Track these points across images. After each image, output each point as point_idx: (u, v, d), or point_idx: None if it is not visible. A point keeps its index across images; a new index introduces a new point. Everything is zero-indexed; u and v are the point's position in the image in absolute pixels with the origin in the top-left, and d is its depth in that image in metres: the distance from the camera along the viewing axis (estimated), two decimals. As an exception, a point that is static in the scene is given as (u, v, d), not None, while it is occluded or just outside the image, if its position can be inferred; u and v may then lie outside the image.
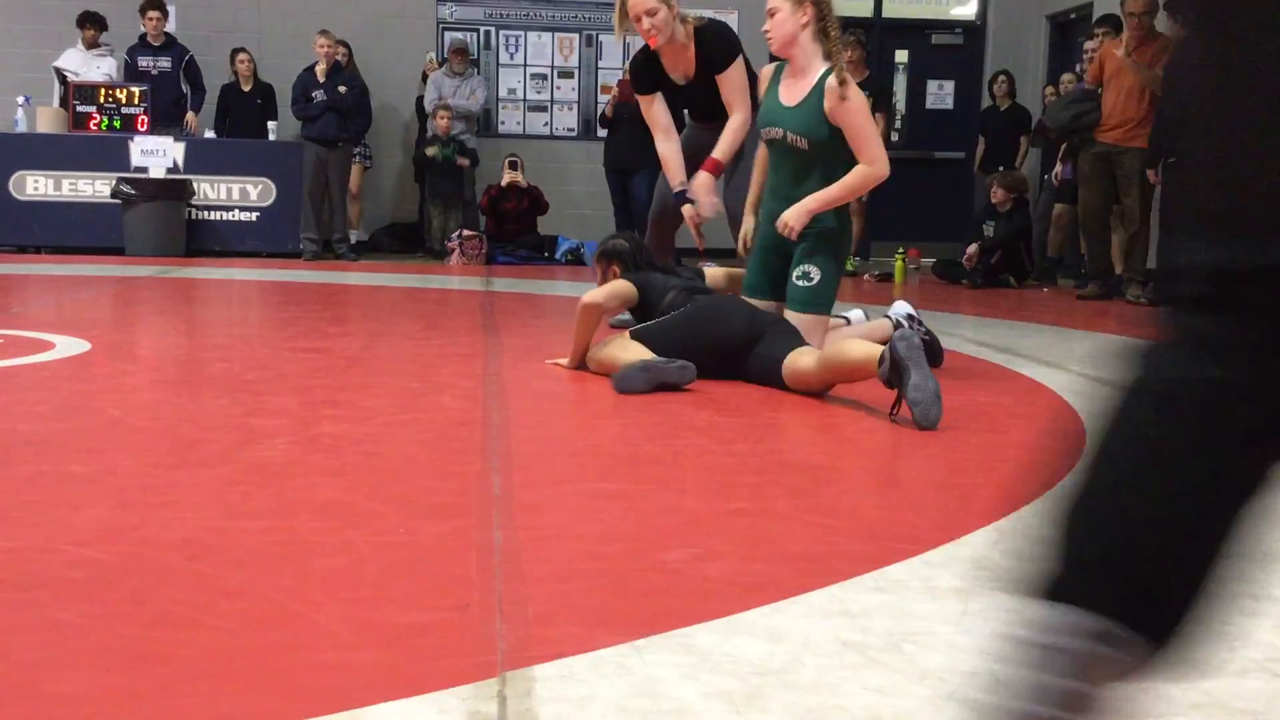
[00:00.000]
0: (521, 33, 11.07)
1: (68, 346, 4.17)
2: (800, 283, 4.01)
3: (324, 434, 2.95)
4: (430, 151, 9.71)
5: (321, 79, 9.31)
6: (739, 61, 4.61)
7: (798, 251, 4.03)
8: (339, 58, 9.56)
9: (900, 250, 8.81)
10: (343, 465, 2.63)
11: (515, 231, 9.90)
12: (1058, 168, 8.61)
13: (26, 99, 9.56)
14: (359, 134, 9.99)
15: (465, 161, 9.88)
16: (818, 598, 1.84)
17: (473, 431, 3.03)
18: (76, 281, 7.04)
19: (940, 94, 11.48)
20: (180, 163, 9.35)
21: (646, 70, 4.77)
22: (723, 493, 2.52)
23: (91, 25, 9.68)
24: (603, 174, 9.86)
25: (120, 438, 2.88)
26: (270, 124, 9.82)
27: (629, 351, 3.70)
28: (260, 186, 9.51)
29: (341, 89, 9.30)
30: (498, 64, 11.10)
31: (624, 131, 9.30)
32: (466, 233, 9.57)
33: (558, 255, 9.91)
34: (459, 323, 5.59)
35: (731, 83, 4.56)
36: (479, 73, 10.63)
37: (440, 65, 10.35)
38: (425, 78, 10.38)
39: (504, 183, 9.87)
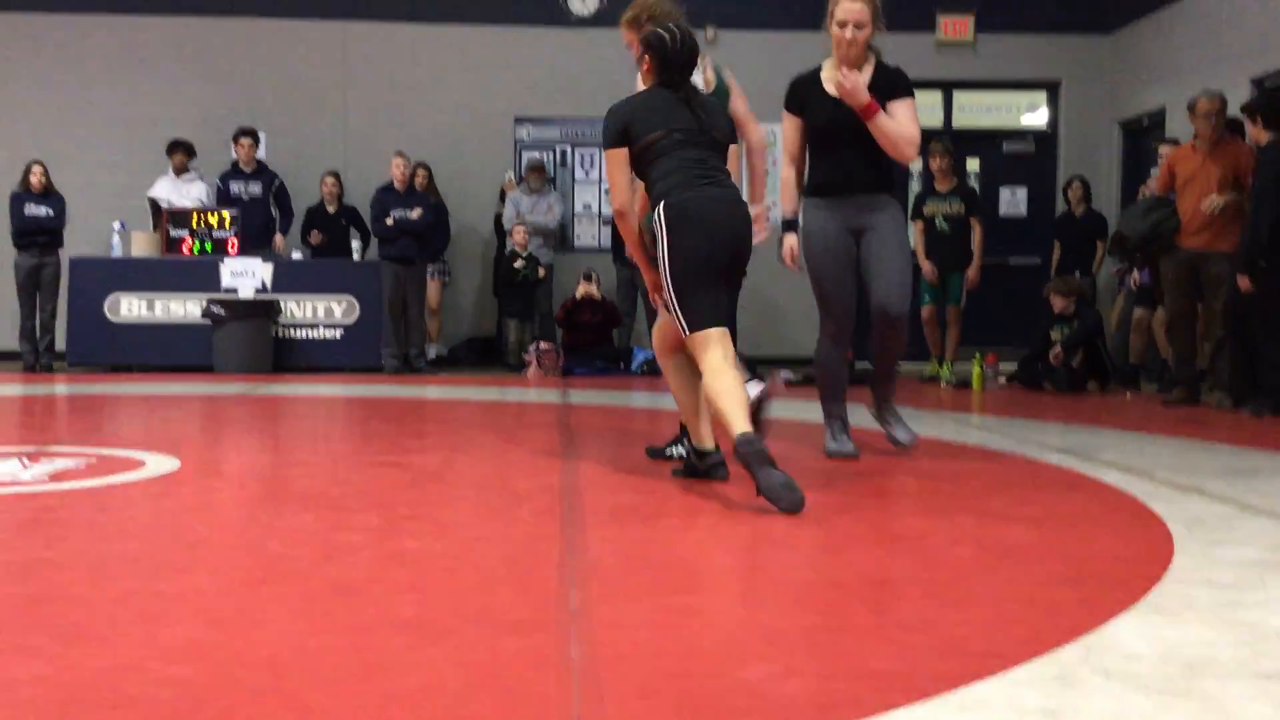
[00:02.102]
0: (595, 150, 11.34)
1: (158, 465, 4.29)
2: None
3: (405, 549, 2.98)
4: (519, 265, 9.93)
5: (399, 199, 9.60)
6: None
7: None
8: (417, 179, 9.86)
9: (977, 356, 8.75)
10: (423, 581, 2.65)
11: (591, 343, 10.02)
12: (1134, 273, 8.53)
13: (122, 224, 9.97)
14: (437, 252, 10.26)
15: (543, 272, 10.10)
16: (900, 718, 1.80)
17: (550, 546, 3.05)
18: (167, 400, 7.24)
19: (1013, 200, 11.49)
20: (268, 283, 9.65)
21: (810, 89, 4.63)
22: (801, 606, 2.49)
23: (180, 152, 10.12)
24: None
25: (207, 555, 2.94)
26: (354, 244, 10.14)
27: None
28: (344, 304, 9.76)
29: (414, 213, 9.56)
30: (573, 180, 11.37)
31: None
32: (543, 345, 9.71)
33: (633, 367, 9.99)
34: (537, 436, 5.64)
35: (910, 111, 4.51)
36: (555, 189, 10.88)
37: (518, 183, 10.63)
38: (503, 196, 10.66)
39: (578, 295, 10.04)
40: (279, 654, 2.08)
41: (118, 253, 9.91)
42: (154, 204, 10.08)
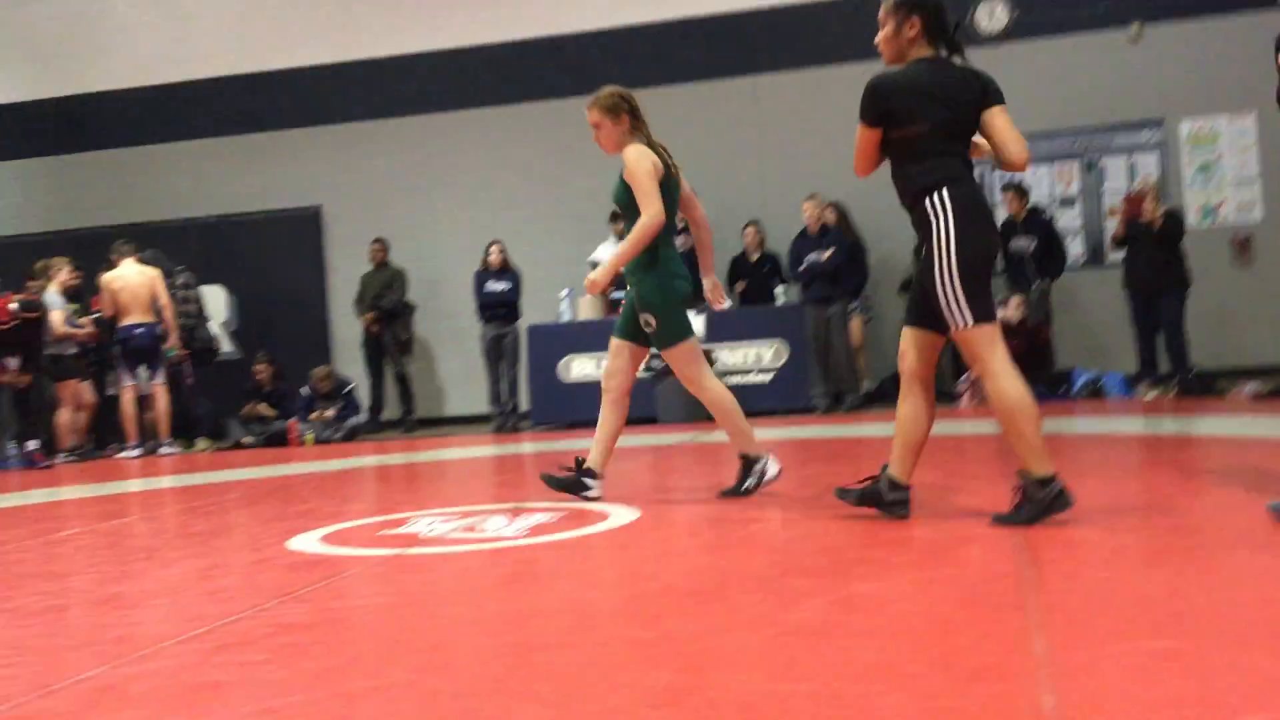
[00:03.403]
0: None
1: (620, 515, 4.60)
2: (646, 330, 4.93)
3: (857, 593, 3.02)
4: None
5: (811, 243, 9.74)
6: None
7: (638, 303, 4.91)
8: (828, 219, 9.97)
9: None
10: (879, 625, 2.68)
11: (1026, 368, 9.64)
12: None
13: (569, 291, 10.82)
14: (855, 290, 10.29)
15: None
16: None
17: (1005, 586, 2.97)
18: (621, 453, 7.73)
19: None
20: (702, 333, 10.10)
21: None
22: (1299, 651, 2.28)
23: (621, 219, 10.86)
24: (1115, 299, 9.42)
25: (673, 602, 3.12)
26: (778, 288, 10.41)
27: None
28: (773, 348, 10.03)
29: (824, 255, 9.65)
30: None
31: (1140, 250, 8.88)
32: (974, 374, 9.47)
33: (1074, 390, 9.51)
34: (976, 469, 5.51)
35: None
36: (1040, 211, 10.62)
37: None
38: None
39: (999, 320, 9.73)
40: (750, 699, 2.18)
41: (567, 318, 10.75)
42: (595, 268, 10.87)
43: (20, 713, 2.39)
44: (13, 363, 9.60)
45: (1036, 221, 9.92)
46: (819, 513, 4.45)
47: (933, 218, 3.78)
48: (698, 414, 9.57)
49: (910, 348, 4.01)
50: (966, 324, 3.76)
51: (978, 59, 11.65)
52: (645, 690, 2.29)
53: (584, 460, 5.04)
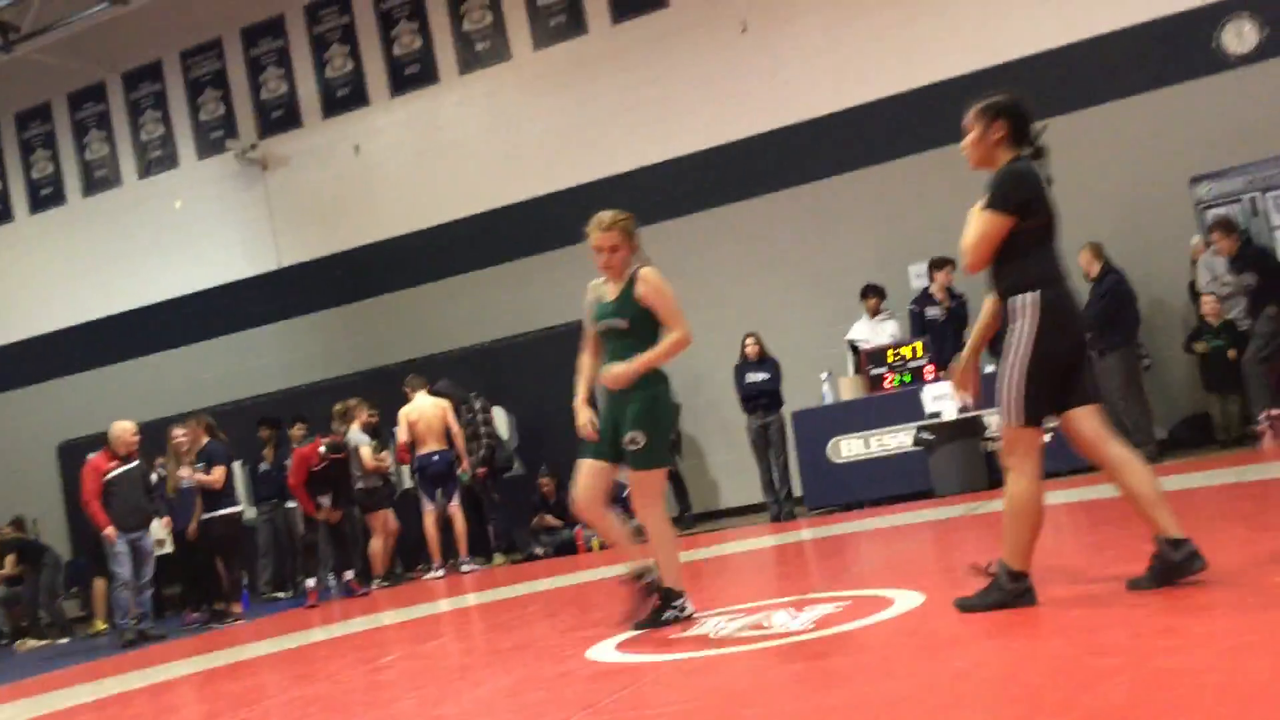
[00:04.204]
0: (1292, 189, 10.29)
1: (905, 600, 4.57)
2: (631, 448, 4.90)
3: (1163, 667, 2.91)
4: (1199, 348, 9.31)
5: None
6: None
7: (626, 420, 4.88)
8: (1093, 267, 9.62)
9: None
10: (1192, 701, 2.58)
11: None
12: None
13: (829, 373, 10.84)
14: (1127, 336, 9.81)
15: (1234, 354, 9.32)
16: None
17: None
18: (899, 532, 7.66)
19: None
20: (970, 400, 9.88)
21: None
22: None
23: (873, 295, 10.88)
24: None
25: (969, 690, 3.10)
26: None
27: None
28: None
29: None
30: (1269, 228, 10.37)
31: None
32: (1274, 412, 8.85)
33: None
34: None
35: None
36: (1253, 242, 10.01)
37: (1206, 246, 9.95)
38: (1194, 262, 10.03)
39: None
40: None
41: (829, 399, 10.77)
42: (853, 347, 10.88)
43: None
44: (325, 500, 10.43)
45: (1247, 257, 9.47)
46: (1105, 581, 4.28)
47: (1022, 313, 3.90)
48: (971, 483, 9.37)
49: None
50: (1018, 421, 3.95)
51: (1228, 82, 11.10)
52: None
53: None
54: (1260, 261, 9.50)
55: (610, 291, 5.09)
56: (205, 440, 10.40)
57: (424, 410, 11.20)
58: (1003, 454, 4.13)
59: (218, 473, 10.23)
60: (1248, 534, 4.90)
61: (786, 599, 5.25)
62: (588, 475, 5.08)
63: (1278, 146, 10.26)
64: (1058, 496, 7.79)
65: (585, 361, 5.21)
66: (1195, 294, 10.05)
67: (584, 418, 5.03)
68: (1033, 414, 3.91)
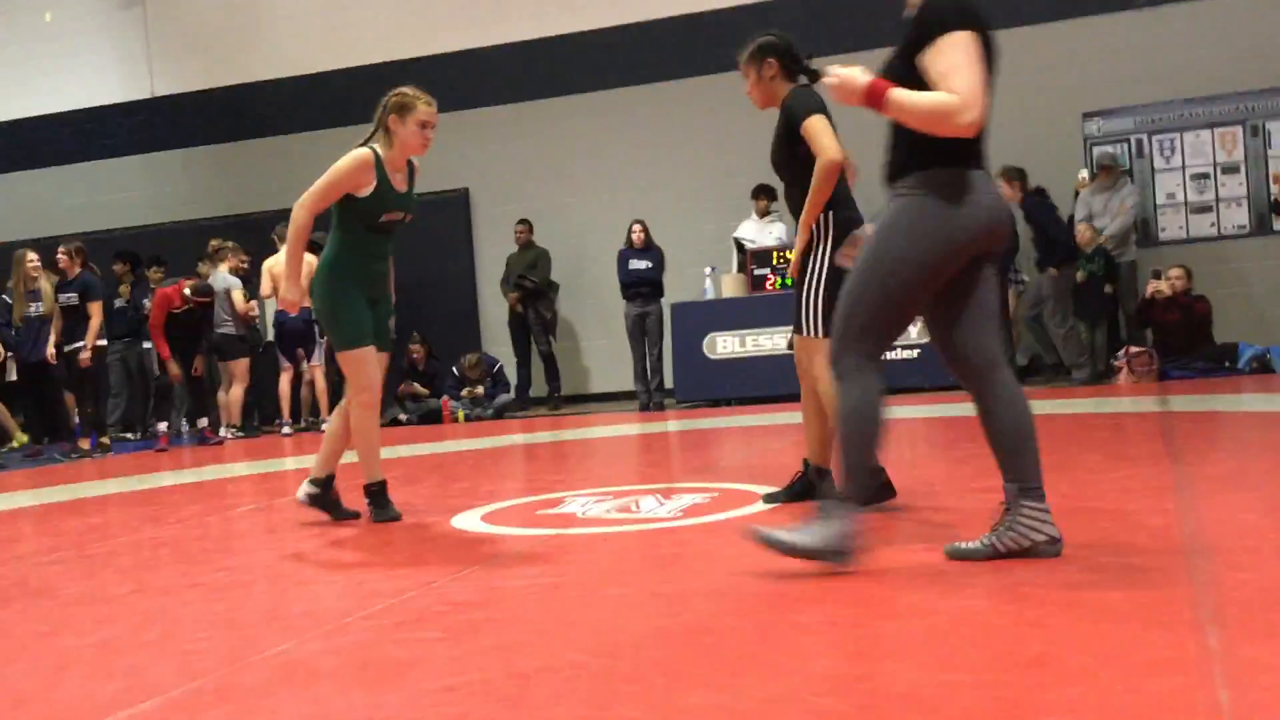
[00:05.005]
0: (1177, 134, 10.56)
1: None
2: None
3: (1021, 580, 2.99)
4: (1079, 276, 9.55)
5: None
6: None
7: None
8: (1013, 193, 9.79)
9: None
10: (1044, 615, 2.66)
11: (1184, 345, 9.33)
12: None
13: (713, 269, 10.85)
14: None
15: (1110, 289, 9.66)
16: None
17: (1173, 577, 2.92)
18: (767, 431, 7.77)
19: None
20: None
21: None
22: None
23: (764, 196, 10.84)
24: (1282, 270, 9.02)
25: (833, 586, 3.14)
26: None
27: None
28: (918, 324, 9.88)
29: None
30: (1153, 170, 10.66)
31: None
32: (1134, 349, 9.19)
33: (1240, 365, 9.16)
34: (1139, 450, 5.37)
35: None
36: (1132, 182, 10.28)
37: (1090, 181, 10.18)
38: (1076, 195, 10.26)
39: (1150, 293, 9.43)
40: (912, 690, 2.19)
41: (710, 295, 10.79)
42: (739, 245, 10.88)
43: (217, 685, 2.56)
44: (176, 364, 10.08)
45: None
46: (975, 494, 4.40)
47: (819, 235, 4.26)
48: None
49: None
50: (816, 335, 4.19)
51: (1138, 22, 11.25)
52: (810, 677, 2.33)
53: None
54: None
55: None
56: (79, 270, 9.92)
57: (291, 263, 10.85)
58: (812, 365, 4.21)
59: (95, 307, 9.81)
60: (1098, 460, 5.07)
61: (654, 485, 5.28)
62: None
63: (1171, 91, 10.50)
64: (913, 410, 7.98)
65: None
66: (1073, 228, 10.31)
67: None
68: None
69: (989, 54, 3.11)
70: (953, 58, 2.99)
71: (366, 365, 4.68)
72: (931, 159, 3.11)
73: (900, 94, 3.02)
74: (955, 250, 3.15)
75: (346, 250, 4.70)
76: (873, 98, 3.04)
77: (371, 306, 4.75)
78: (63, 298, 9.97)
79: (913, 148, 3.14)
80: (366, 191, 4.65)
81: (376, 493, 4.80)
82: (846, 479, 3.22)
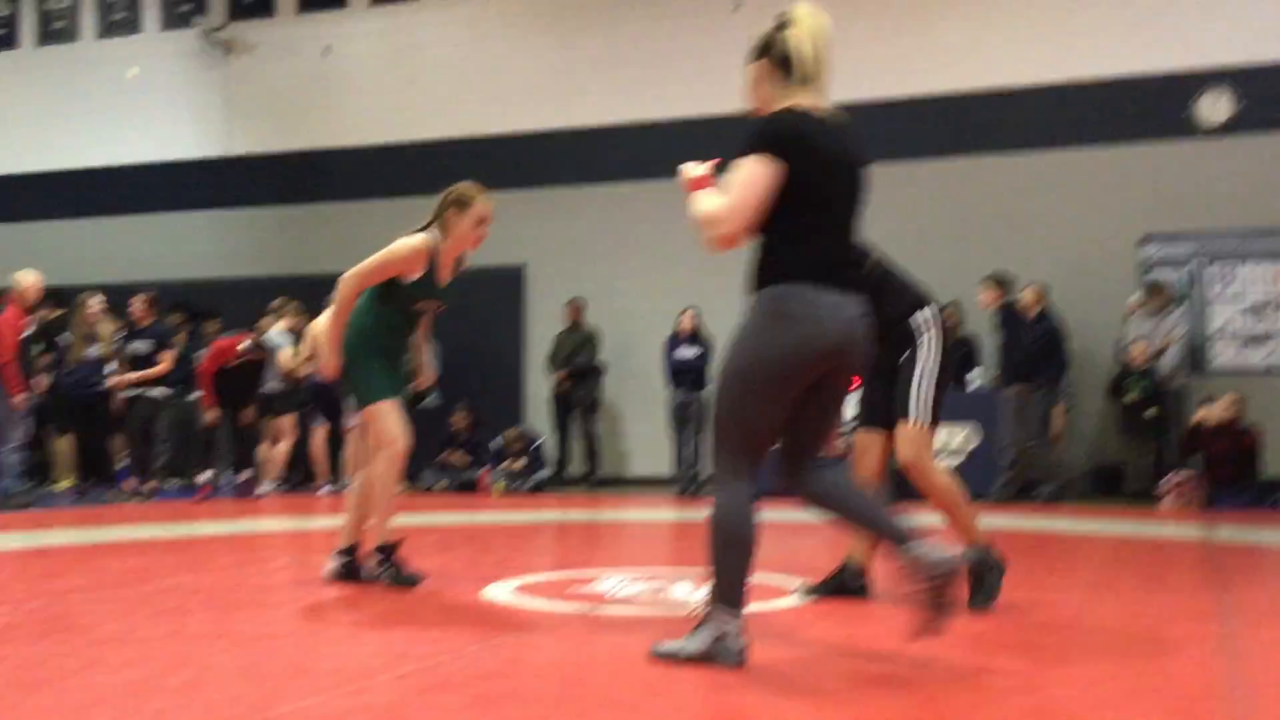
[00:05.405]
0: (1235, 263, 10.54)
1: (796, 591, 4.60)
2: None
3: (1052, 698, 2.95)
4: (1129, 396, 9.50)
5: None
6: None
7: None
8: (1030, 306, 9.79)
9: None
10: None
11: (1231, 474, 9.21)
12: None
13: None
14: (1055, 376, 10.01)
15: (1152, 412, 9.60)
16: None
17: (1213, 706, 2.87)
18: (800, 529, 7.71)
19: None
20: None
21: None
22: None
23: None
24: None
25: (869, 683, 3.11)
26: (970, 373, 10.23)
27: None
28: (964, 433, 9.85)
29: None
30: (1204, 299, 10.62)
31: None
32: (1179, 475, 9.08)
33: (1287, 499, 9.02)
34: (1182, 578, 5.29)
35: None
36: (1182, 309, 10.26)
37: (1140, 306, 10.17)
38: (1127, 319, 10.25)
39: (1197, 421, 9.35)
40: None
41: (754, 388, 10.79)
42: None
43: (247, 732, 2.57)
44: (215, 412, 10.32)
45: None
46: (1012, 608, 4.35)
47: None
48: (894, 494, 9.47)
49: None
50: None
51: (1202, 149, 11.29)
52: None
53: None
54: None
55: None
56: (152, 320, 10.43)
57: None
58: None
59: (168, 355, 10.42)
60: (1139, 583, 5.00)
61: (688, 569, 5.26)
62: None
63: (1232, 220, 10.50)
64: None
65: None
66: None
67: None
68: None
69: (818, 179, 3.19)
70: (737, 175, 3.17)
71: (391, 419, 4.73)
72: (779, 274, 3.18)
73: (699, 193, 3.23)
74: (796, 370, 3.15)
75: (374, 322, 4.77)
76: (688, 190, 3.30)
77: (393, 370, 4.84)
78: (136, 344, 10.32)
79: (761, 262, 3.22)
80: (413, 277, 4.73)
81: (392, 553, 4.78)
82: (718, 583, 3.27)
